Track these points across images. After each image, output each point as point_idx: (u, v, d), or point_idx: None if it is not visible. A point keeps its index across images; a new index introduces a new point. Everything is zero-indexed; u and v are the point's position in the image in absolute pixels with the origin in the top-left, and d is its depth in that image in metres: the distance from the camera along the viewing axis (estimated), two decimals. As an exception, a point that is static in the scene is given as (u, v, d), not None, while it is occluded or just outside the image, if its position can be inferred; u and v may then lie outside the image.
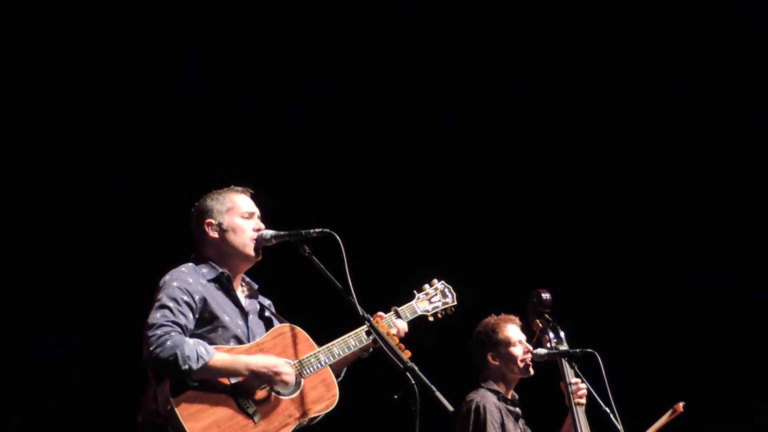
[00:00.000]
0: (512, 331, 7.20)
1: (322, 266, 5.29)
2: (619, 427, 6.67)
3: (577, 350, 6.84)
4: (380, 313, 5.80)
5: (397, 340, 5.51)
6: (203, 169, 9.00)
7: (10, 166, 8.51)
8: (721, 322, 9.95)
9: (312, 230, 5.43)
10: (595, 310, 9.59)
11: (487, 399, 7.00)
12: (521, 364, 7.12)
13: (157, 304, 5.35)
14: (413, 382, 5.00)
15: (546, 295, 7.09)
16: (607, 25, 9.88)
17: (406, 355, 5.28)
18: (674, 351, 9.94)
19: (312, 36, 9.49)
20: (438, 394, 5.01)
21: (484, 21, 9.86)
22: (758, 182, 10.04)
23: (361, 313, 5.26)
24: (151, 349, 5.19)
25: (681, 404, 7.55)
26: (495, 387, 7.12)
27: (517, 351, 7.14)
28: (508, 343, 7.16)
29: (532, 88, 9.98)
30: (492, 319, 7.30)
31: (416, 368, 5.07)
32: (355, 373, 5.76)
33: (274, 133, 9.41)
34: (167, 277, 5.48)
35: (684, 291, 9.96)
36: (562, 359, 6.84)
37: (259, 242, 5.63)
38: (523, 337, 7.19)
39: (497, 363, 7.16)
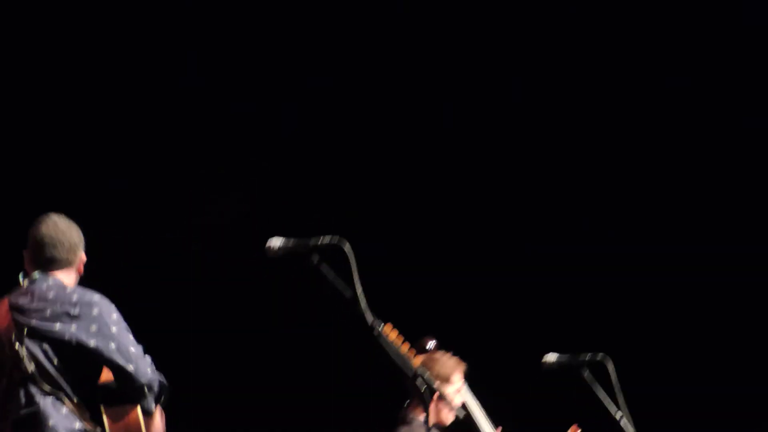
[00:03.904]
0: None
1: (331, 276, 5.09)
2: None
3: (588, 355, 6.69)
4: None
5: (408, 346, 5.47)
6: (203, 169, 9.06)
7: (9, 167, 8.51)
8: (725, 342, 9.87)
9: (320, 239, 5.21)
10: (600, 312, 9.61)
11: None
12: None
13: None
14: (422, 390, 5.01)
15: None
16: (607, 25, 9.86)
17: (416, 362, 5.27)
18: (680, 365, 9.86)
19: (312, 36, 9.48)
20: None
21: (484, 21, 9.85)
22: (758, 182, 10.03)
23: (371, 320, 5.20)
24: (154, 373, 5.22)
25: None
26: None
27: None
28: None
29: (532, 88, 9.97)
30: None
31: (426, 375, 5.07)
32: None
33: (274, 133, 9.41)
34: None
35: (684, 293, 9.95)
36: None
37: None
38: None
39: None
